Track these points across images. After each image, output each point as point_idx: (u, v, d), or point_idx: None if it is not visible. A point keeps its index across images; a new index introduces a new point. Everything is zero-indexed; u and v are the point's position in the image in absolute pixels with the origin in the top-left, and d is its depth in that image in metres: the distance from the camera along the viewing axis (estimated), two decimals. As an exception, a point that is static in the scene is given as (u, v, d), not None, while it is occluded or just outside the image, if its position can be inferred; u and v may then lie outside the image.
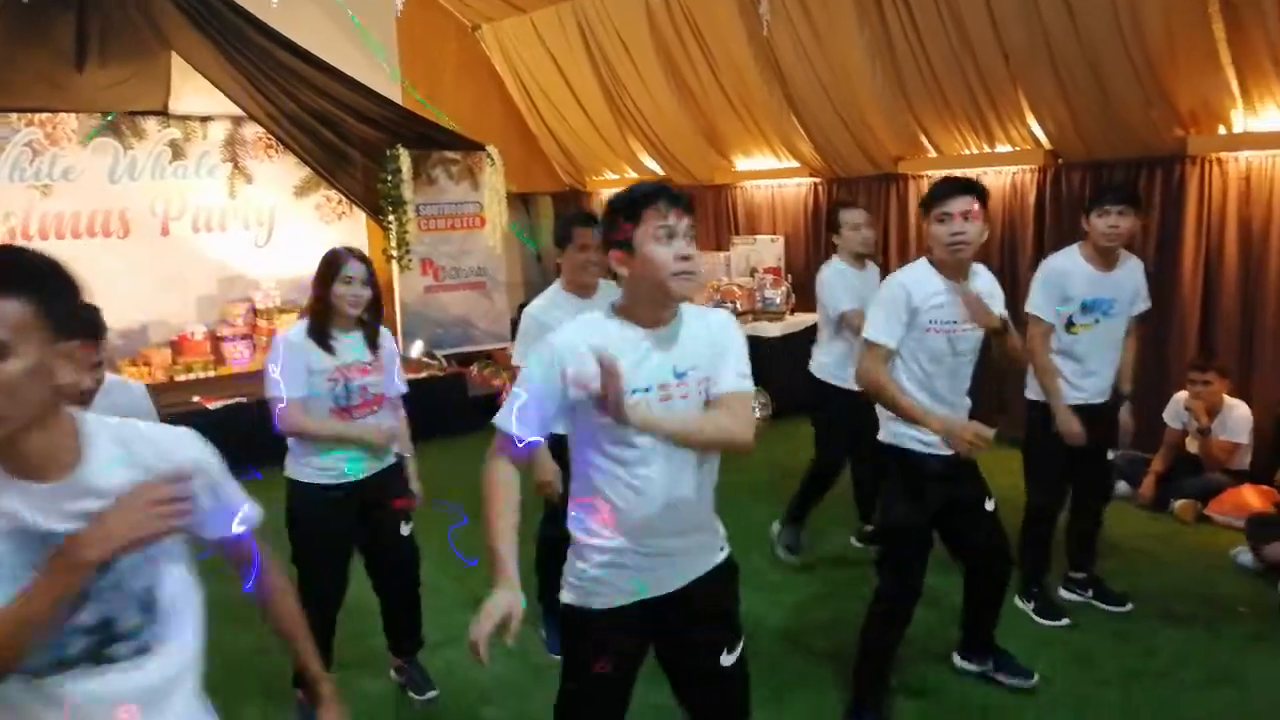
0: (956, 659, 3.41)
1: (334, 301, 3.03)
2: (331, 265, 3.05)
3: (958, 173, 6.39)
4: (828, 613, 3.92)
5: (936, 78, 5.96)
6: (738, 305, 7.10)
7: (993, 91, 5.82)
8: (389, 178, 7.70)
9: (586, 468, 2.04)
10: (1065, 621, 3.72)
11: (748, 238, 7.86)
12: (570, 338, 1.98)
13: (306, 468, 3.10)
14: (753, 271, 7.53)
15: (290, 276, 7.88)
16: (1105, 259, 3.60)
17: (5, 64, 6.57)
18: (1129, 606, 3.83)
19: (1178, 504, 4.87)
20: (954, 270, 2.95)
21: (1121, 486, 5.01)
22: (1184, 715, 3.13)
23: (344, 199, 8.10)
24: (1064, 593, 3.94)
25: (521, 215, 9.68)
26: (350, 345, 3.09)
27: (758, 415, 2.46)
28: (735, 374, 2.04)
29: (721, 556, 2.17)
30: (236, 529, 1.58)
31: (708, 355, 2.03)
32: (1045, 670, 3.36)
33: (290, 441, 3.12)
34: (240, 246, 7.87)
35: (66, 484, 1.35)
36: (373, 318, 3.15)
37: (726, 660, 2.13)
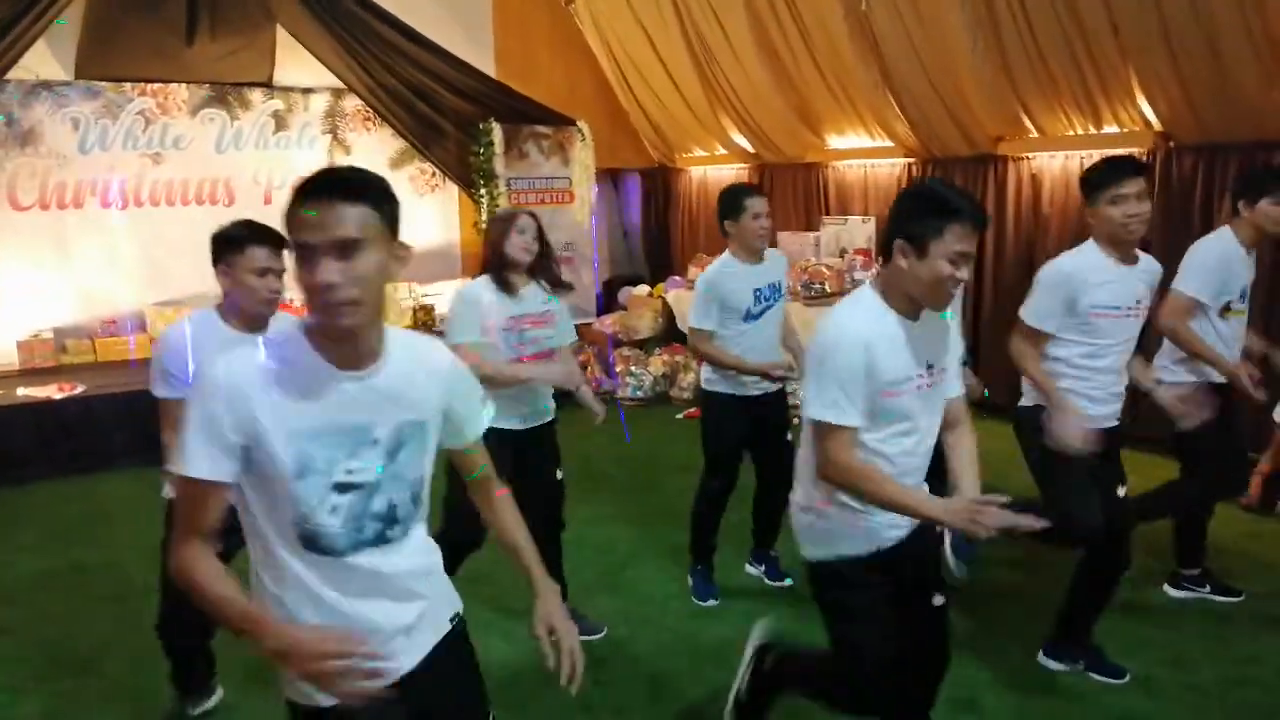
0: (1041, 658, 3.33)
1: (508, 251, 3.32)
2: (505, 220, 3.39)
3: (1061, 155, 6.23)
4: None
5: (1041, 53, 5.74)
6: (826, 286, 7.01)
7: (1101, 68, 5.59)
8: (481, 151, 7.80)
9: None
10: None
11: (838, 218, 7.73)
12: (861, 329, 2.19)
13: None
14: (842, 252, 7.41)
15: (384, 246, 8.04)
16: (1257, 243, 3.59)
17: (120, 35, 6.86)
18: (1242, 595, 3.80)
19: (1285, 506, 4.67)
20: (1124, 252, 3.01)
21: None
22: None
23: (437, 171, 8.24)
24: (1175, 591, 3.85)
25: (609, 191, 9.70)
26: (529, 296, 3.41)
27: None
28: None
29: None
30: (479, 433, 1.91)
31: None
32: (1141, 675, 3.26)
33: None
34: (338, 216, 8.06)
35: (373, 373, 1.63)
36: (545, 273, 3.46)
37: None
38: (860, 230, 7.47)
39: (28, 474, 5.77)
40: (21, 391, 6.05)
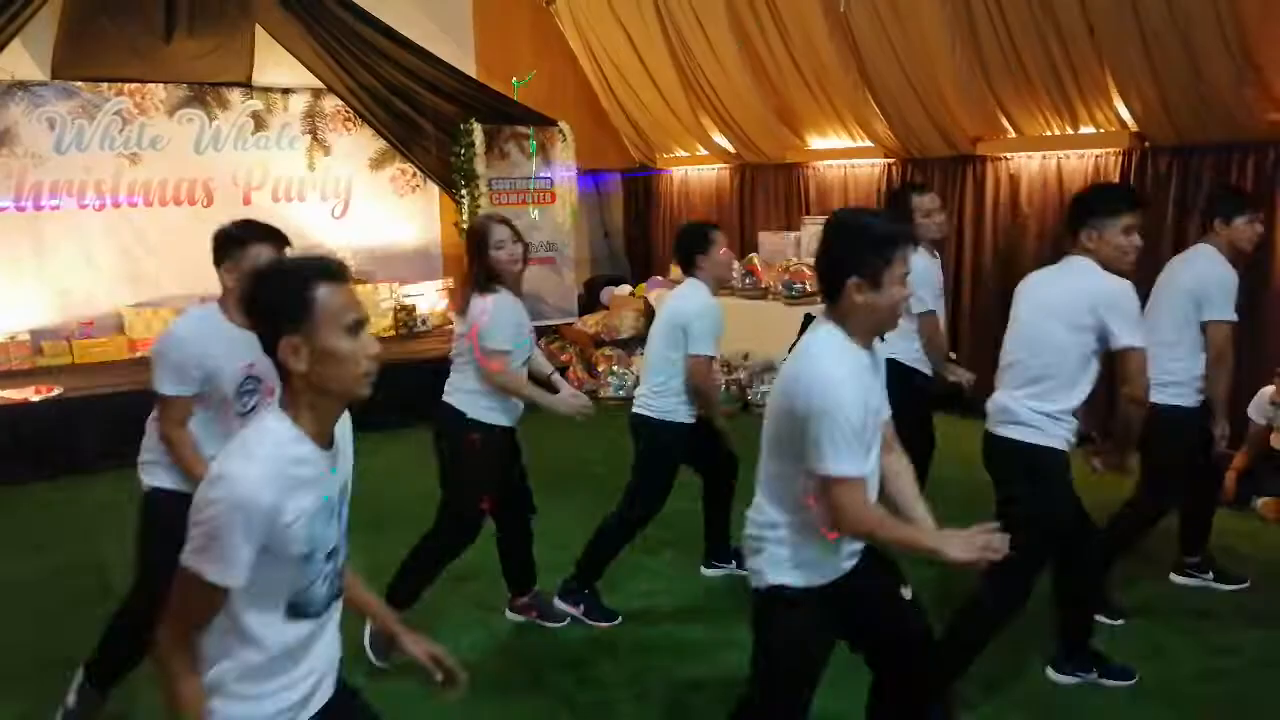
0: (1051, 673, 3.30)
1: (495, 267, 3.37)
2: (481, 234, 3.42)
3: (1039, 156, 6.28)
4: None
5: (1019, 54, 5.79)
6: (807, 286, 7.04)
7: (1077, 68, 5.64)
8: (462, 151, 7.78)
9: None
10: (1120, 621, 3.63)
11: (819, 217, 7.76)
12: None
13: (489, 411, 3.44)
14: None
15: (366, 247, 8.03)
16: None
17: (97, 35, 6.80)
18: (1248, 583, 3.91)
19: (1260, 501, 4.74)
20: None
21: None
22: (1265, 716, 3.06)
23: (418, 172, 8.22)
24: (1180, 579, 3.97)
25: (590, 191, 9.70)
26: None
27: None
28: None
29: None
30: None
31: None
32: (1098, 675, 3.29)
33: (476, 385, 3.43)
34: (318, 217, 8.04)
35: (336, 449, 1.72)
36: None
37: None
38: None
39: (3, 477, 5.71)
40: (-3, 394, 5.99)
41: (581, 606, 3.82)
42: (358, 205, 8.17)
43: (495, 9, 8.60)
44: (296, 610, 1.70)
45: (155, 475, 2.90)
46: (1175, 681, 3.25)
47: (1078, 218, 2.98)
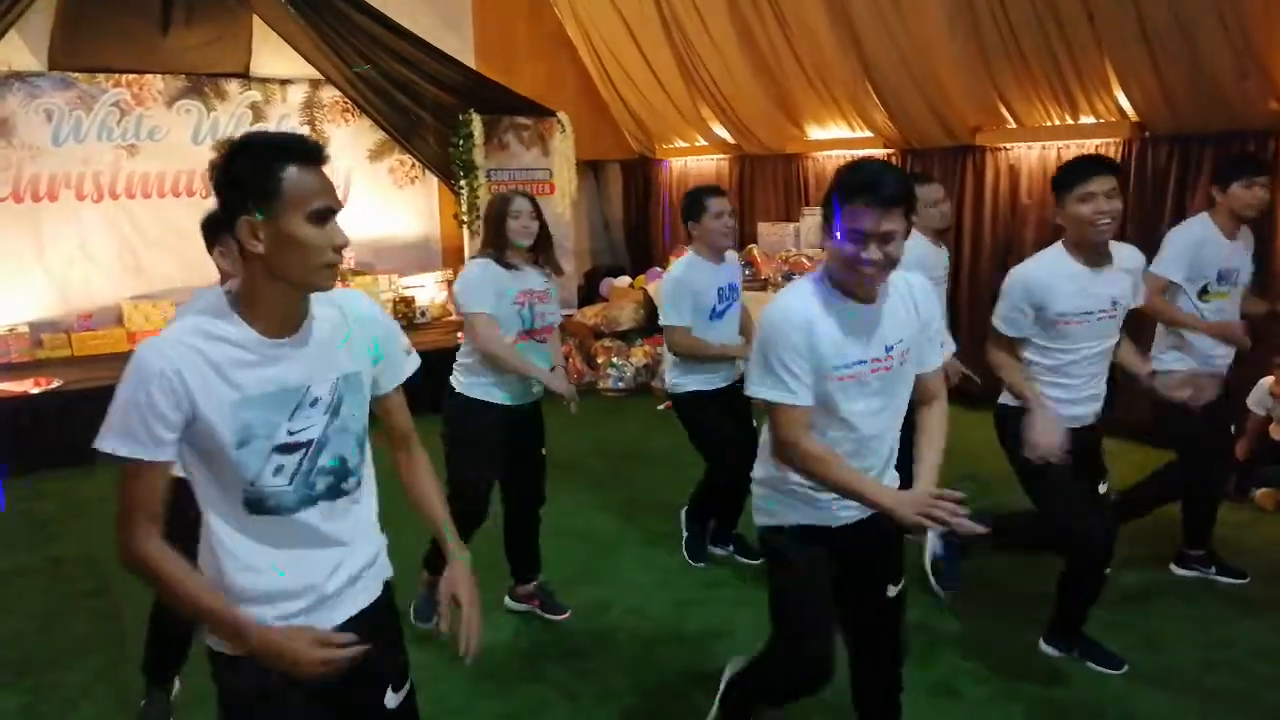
0: (1042, 645, 3.36)
1: (508, 235, 3.36)
2: (502, 205, 3.40)
3: (1039, 145, 6.27)
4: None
5: (1019, 43, 5.77)
6: (806, 276, 7.03)
7: (1077, 58, 5.62)
8: (460, 142, 7.77)
9: None
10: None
11: (818, 209, 7.74)
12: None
13: (486, 387, 3.43)
14: (823, 244, 7.43)
15: (365, 239, 8.00)
16: (1236, 229, 3.66)
17: (93, 26, 6.77)
18: (1247, 579, 3.89)
19: (1259, 492, 4.74)
20: (1091, 252, 2.97)
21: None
22: (1263, 708, 3.06)
23: (417, 163, 8.20)
24: (1180, 570, 3.96)
25: (589, 182, 9.69)
26: (531, 274, 3.46)
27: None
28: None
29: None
30: (400, 380, 1.88)
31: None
32: (1080, 655, 3.31)
33: (469, 360, 3.43)
34: (316, 209, 8.01)
35: (304, 334, 1.65)
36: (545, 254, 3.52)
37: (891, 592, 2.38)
38: (840, 221, 7.48)
39: (3, 469, 5.71)
40: (-3, 386, 5.99)
41: (730, 546, 4.29)
42: (357, 196, 8.15)
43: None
44: (255, 506, 1.63)
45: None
46: (1174, 672, 3.25)
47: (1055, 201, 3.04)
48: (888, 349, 2.19)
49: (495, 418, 3.46)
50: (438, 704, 3.17)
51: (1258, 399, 4.87)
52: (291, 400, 1.63)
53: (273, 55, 7.51)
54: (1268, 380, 4.79)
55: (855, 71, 6.86)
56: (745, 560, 4.22)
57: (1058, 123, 6.16)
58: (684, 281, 3.82)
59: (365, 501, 1.80)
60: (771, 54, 7.38)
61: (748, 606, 3.76)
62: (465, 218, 7.88)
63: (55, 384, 6.06)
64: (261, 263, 1.58)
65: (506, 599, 3.82)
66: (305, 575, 1.70)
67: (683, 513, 4.30)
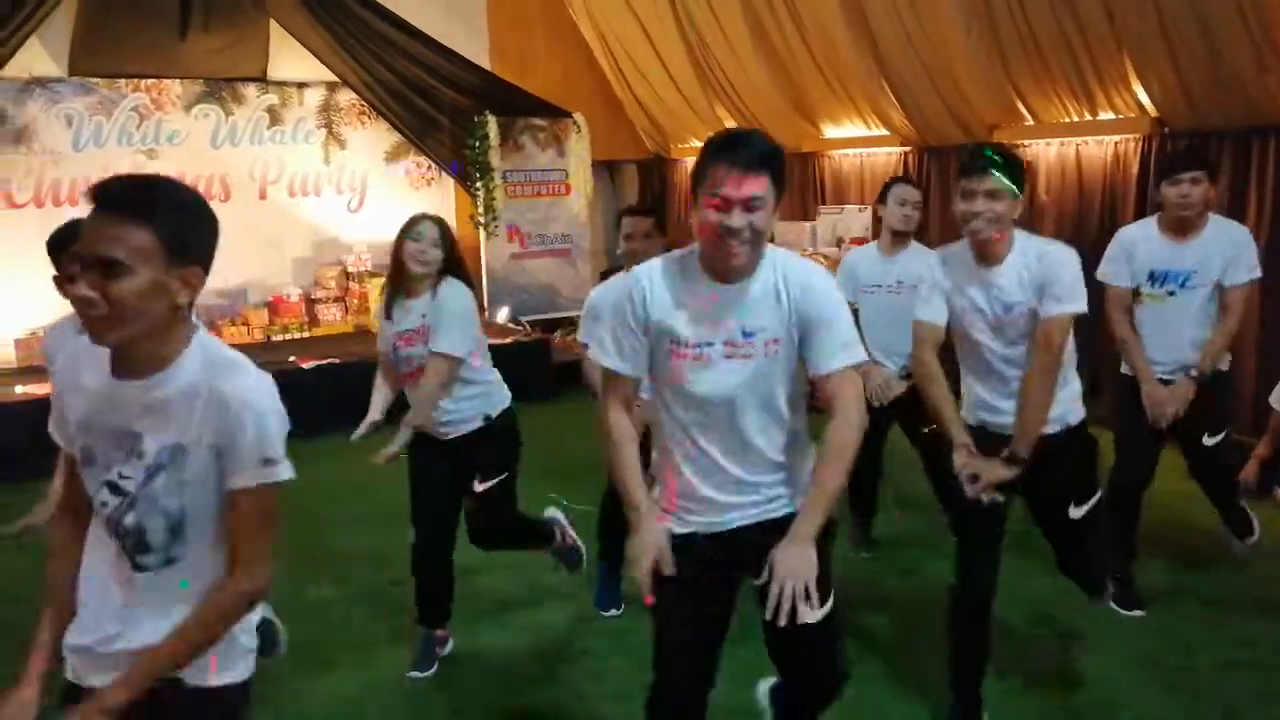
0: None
1: (403, 259, 3.12)
2: (405, 225, 3.17)
3: (1057, 142, 6.22)
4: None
5: (1036, 39, 5.73)
6: (822, 275, 7.00)
7: (1096, 54, 5.58)
8: (476, 144, 7.79)
9: None
10: (1139, 613, 3.57)
11: (834, 207, 7.72)
12: None
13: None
14: (839, 242, 7.40)
15: (381, 241, 8.03)
16: (1180, 228, 3.48)
17: (112, 31, 6.85)
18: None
19: (1280, 490, 4.67)
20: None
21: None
22: (1281, 708, 3.03)
23: (433, 165, 8.23)
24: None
25: (605, 182, 9.69)
26: (412, 312, 3.16)
27: None
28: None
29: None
30: (239, 486, 1.58)
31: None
32: (1134, 657, 3.29)
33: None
34: (334, 211, 8.07)
35: (151, 385, 1.54)
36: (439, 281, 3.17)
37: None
38: (856, 219, 7.45)
39: (26, 471, 5.76)
40: (20, 389, 6.05)
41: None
42: (373, 199, 8.19)
43: (509, 1, 8.59)
44: (97, 512, 1.63)
45: None
46: (1194, 673, 3.22)
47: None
48: (746, 334, 2.02)
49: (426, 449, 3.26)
50: (447, 705, 3.18)
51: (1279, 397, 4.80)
52: (123, 446, 1.56)
53: (290, 59, 7.56)
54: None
55: (871, 69, 6.83)
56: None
57: (1076, 119, 6.11)
58: None
59: (170, 588, 1.60)
60: (786, 52, 7.36)
61: (758, 608, 3.75)
62: (482, 219, 7.90)
63: (77, 387, 6.12)
64: None
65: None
66: (89, 614, 1.64)
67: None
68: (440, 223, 3.20)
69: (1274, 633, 3.46)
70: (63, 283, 2.63)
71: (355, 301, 7.80)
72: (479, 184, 7.86)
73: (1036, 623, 3.44)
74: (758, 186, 1.89)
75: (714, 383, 2.04)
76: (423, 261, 3.11)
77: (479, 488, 3.26)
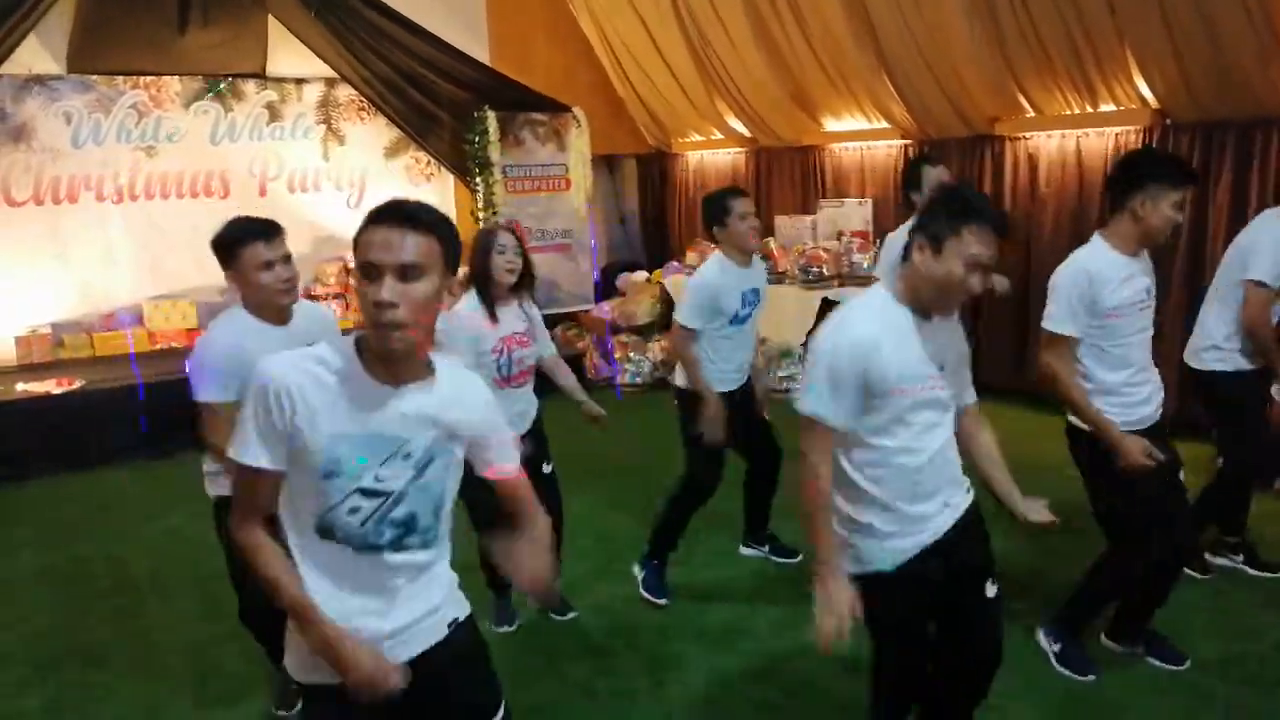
0: (1104, 639, 3.30)
1: (492, 273, 3.31)
2: (487, 239, 3.36)
3: (1058, 134, 6.20)
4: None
5: (1037, 31, 5.71)
6: (824, 270, 7.00)
7: (1097, 46, 5.56)
8: (476, 139, 7.78)
9: None
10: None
11: (835, 200, 7.72)
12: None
13: None
14: (839, 235, 7.40)
15: (380, 237, 8.03)
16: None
17: (111, 28, 6.82)
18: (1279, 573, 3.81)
19: (1283, 482, 4.67)
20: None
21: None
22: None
23: (432, 160, 8.22)
24: (1214, 558, 3.89)
25: (605, 177, 9.68)
26: (511, 317, 3.40)
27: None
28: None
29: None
30: (501, 471, 1.90)
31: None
32: (1144, 651, 3.28)
33: None
34: (334, 207, 8.05)
35: (416, 391, 1.71)
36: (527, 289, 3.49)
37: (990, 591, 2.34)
38: (857, 213, 7.45)
39: (27, 470, 5.78)
40: (20, 387, 6.05)
41: (766, 546, 4.28)
42: (373, 194, 8.16)
43: (509, -4, 8.56)
44: (325, 532, 1.70)
45: (220, 485, 2.80)
46: (1198, 665, 3.21)
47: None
48: (940, 368, 2.23)
49: None
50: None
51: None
52: (390, 449, 1.70)
53: (289, 55, 7.54)
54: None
55: (871, 62, 6.81)
56: (782, 560, 4.18)
57: (1077, 111, 6.09)
58: (712, 286, 3.72)
59: (433, 564, 1.83)
60: (787, 46, 7.34)
61: (768, 604, 3.76)
62: (482, 214, 7.88)
63: (77, 384, 6.12)
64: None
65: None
66: (348, 614, 1.72)
67: (647, 545, 3.99)
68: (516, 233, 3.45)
69: (1277, 625, 3.46)
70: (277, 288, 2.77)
71: (355, 297, 7.79)
72: (479, 179, 7.84)
73: (1036, 620, 3.43)
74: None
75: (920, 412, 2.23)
76: (511, 271, 3.35)
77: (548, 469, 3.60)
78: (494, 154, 7.81)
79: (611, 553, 4.38)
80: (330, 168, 8.02)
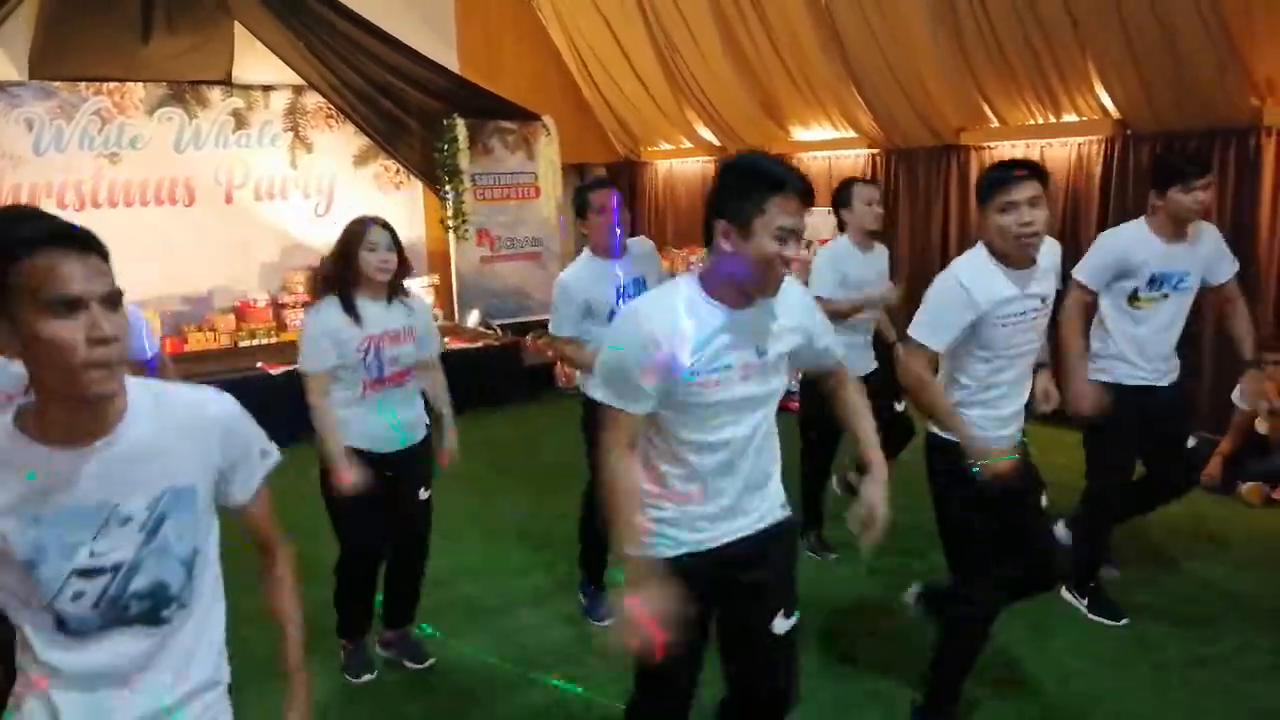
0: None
1: (362, 268, 3.04)
2: (355, 233, 3.08)
3: (1022, 144, 6.30)
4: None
5: (1000, 44, 5.80)
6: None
7: (1059, 58, 5.65)
8: (445, 147, 7.76)
9: None
10: (1124, 621, 3.57)
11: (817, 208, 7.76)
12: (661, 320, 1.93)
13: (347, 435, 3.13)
14: (808, 244, 7.45)
15: (349, 245, 7.97)
16: (1179, 232, 3.46)
17: (74, 34, 6.73)
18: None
19: (1245, 486, 4.77)
20: (1019, 261, 2.73)
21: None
22: (1250, 702, 3.07)
23: (401, 169, 8.18)
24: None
25: (575, 186, 9.68)
26: (380, 313, 3.11)
27: None
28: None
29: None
30: (251, 493, 1.59)
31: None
32: (1106, 656, 3.33)
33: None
34: (301, 215, 7.98)
35: (108, 443, 1.39)
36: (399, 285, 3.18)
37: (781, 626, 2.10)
38: (825, 222, 7.46)
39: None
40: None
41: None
42: (341, 202, 8.10)
43: (477, 3, 8.55)
44: (62, 624, 1.42)
45: None
46: (1162, 667, 3.27)
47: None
48: (761, 353, 2.05)
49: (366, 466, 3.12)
50: (428, 713, 3.16)
51: (1242, 394, 4.89)
52: (98, 520, 1.40)
53: (255, 62, 7.47)
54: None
55: (839, 72, 6.88)
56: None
57: (1041, 121, 6.19)
58: (567, 287, 3.49)
59: (195, 628, 1.53)
60: (755, 55, 7.40)
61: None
62: (452, 223, 7.86)
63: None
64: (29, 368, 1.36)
65: (376, 646, 3.51)
66: (100, 708, 1.45)
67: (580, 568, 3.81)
68: (391, 228, 3.15)
69: (1240, 627, 3.52)
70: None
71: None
72: (448, 187, 7.82)
73: (1006, 622, 3.46)
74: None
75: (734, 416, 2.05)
76: (385, 270, 3.08)
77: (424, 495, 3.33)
78: (463, 162, 7.79)
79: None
80: (298, 175, 7.95)
